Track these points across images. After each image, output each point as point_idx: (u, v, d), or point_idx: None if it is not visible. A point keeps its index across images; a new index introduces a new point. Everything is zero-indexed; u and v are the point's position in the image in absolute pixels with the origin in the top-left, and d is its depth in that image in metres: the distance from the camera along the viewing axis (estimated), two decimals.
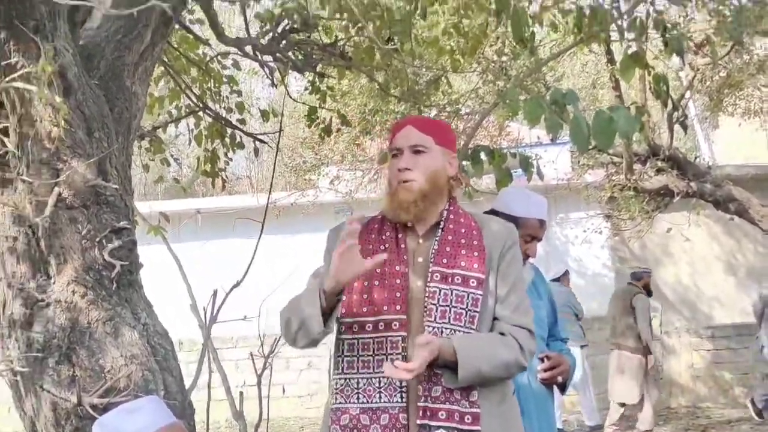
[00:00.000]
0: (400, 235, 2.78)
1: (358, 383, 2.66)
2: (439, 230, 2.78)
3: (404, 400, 2.61)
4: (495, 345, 2.67)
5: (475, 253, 2.74)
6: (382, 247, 2.75)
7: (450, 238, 2.76)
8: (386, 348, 2.63)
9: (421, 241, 2.79)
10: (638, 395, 9.65)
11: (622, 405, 9.83)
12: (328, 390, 2.91)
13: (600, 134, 3.18)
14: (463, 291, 2.69)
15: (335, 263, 2.56)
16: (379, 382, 2.63)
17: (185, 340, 12.40)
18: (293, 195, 13.28)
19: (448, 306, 2.67)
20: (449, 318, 2.66)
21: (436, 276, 2.70)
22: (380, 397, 2.63)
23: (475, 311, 2.69)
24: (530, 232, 3.63)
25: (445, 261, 2.72)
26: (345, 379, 2.70)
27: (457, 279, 2.70)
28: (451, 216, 2.81)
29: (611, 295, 10.61)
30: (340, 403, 2.67)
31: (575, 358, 3.85)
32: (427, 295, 2.68)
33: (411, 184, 2.72)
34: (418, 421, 2.58)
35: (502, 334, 2.71)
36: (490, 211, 3.63)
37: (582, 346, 10.37)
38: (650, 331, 9.79)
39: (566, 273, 10.92)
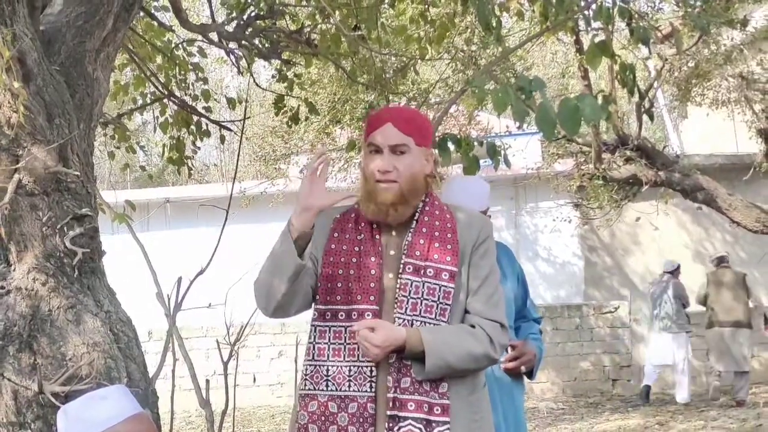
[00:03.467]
0: (374, 227, 2.79)
1: (328, 370, 2.68)
2: (414, 222, 2.78)
3: (373, 389, 2.63)
4: (463, 337, 2.68)
5: (448, 246, 2.75)
6: (359, 238, 2.77)
7: (424, 230, 2.76)
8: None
9: (394, 233, 2.79)
10: (749, 364, 11.07)
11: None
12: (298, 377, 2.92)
13: (566, 121, 3.19)
14: (435, 283, 2.70)
15: (305, 189, 2.64)
16: (349, 370, 2.65)
17: (155, 329, 12.36)
18: (263, 184, 13.24)
19: (419, 298, 2.68)
20: (420, 310, 2.68)
21: (409, 268, 2.71)
22: (349, 386, 2.64)
23: (446, 304, 2.70)
24: None
25: (418, 253, 2.72)
26: (315, 365, 2.71)
27: (430, 271, 2.71)
28: (427, 209, 2.81)
29: (708, 282, 11.48)
30: (309, 389, 2.69)
31: (543, 343, 3.86)
32: (398, 286, 2.70)
33: (390, 186, 2.70)
34: (388, 412, 2.60)
35: (472, 326, 2.71)
36: None
37: (687, 332, 11.53)
38: None
39: (678, 267, 11.83)
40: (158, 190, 15.32)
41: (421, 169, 2.77)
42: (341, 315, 2.71)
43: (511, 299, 3.72)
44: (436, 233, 2.76)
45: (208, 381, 4.07)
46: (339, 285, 2.72)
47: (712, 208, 10.67)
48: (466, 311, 2.75)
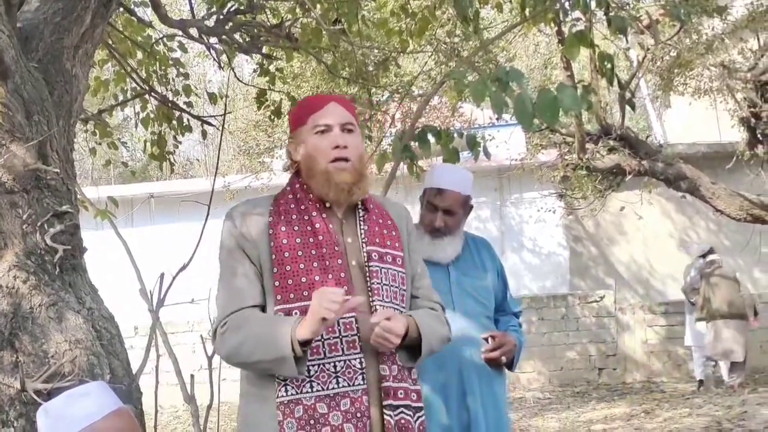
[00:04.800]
0: (324, 216, 2.69)
1: (309, 371, 2.53)
2: (361, 210, 2.76)
3: (365, 381, 2.55)
4: (436, 321, 2.75)
5: (393, 233, 2.77)
6: (309, 228, 2.65)
7: (374, 217, 2.76)
8: (339, 331, 2.55)
9: (343, 221, 2.74)
10: (744, 353, 11.12)
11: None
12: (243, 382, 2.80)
13: (545, 112, 3.21)
14: (396, 270, 2.72)
15: (332, 314, 2.42)
16: (334, 366, 2.54)
17: (141, 325, 12.34)
18: (247, 178, 13.22)
19: (388, 285, 2.68)
20: (391, 297, 2.67)
21: (374, 255, 2.68)
22: (338, 382, 2.53)
23: (403, 289, 2.73)
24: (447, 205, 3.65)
25: (377, 240, 2.71)
26: None
27: (389, 258, 2.72)
28: (367, 196, 2.79)
29: (702, 275, 11.45)
30: (291, 394, 2.54)
31: (523, 335, 3.88)
32: (369, 274, 2.66)
33: (347, 164, 2.66)
34: (385, 401, 2.56)
35: (433, 309, 2.79)
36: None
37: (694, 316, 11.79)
38: None
39: (711, 250, 11.90)
40: (142, 186, 15.28)
41: (363, 149, 2.81)
42: None
43: (491, 292, 3.76)
44: (380, 220, 2.78)
45: (192, 376, 4.07)
46: (303, 280, 2.58)
47: (696, 197, 10.72)
48: (413, 296, 2.81)
